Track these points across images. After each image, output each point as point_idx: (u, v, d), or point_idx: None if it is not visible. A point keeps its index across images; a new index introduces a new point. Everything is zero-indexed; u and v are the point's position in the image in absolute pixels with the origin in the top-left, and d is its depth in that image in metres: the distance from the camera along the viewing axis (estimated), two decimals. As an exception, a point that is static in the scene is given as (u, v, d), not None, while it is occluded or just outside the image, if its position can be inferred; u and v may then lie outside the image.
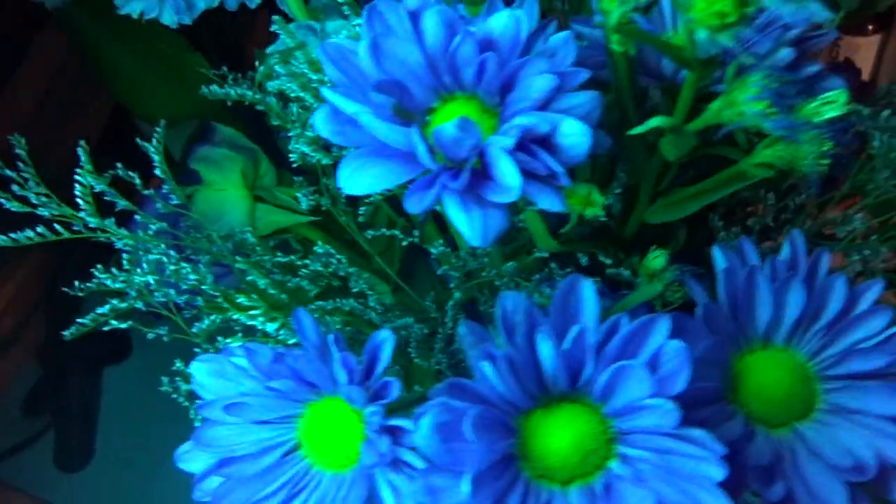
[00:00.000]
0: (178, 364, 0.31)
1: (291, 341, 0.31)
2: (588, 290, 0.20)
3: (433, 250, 0.32)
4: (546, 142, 0.21)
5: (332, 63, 0.22)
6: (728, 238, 0.33)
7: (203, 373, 0.24)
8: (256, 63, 0.36)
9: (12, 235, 0.29)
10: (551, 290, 0.32)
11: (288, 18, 0.37)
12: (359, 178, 0.21)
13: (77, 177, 0.29)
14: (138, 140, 0.34)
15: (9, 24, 0.61)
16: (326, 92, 0.22)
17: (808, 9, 0.14)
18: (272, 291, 0.33)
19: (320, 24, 0.34)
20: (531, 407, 0.21)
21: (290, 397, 0.24)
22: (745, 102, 0.17)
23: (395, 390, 0.22)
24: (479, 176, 0.22)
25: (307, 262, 0.35)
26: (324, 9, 0.37)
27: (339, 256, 0.34)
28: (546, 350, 0.20)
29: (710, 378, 0.22)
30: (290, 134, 0.34)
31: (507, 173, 0.20)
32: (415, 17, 0.22)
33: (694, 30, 0.16)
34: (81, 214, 0.29)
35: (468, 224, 0.21)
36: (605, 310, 0.30)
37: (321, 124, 0.22)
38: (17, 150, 0.29)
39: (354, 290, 0.35)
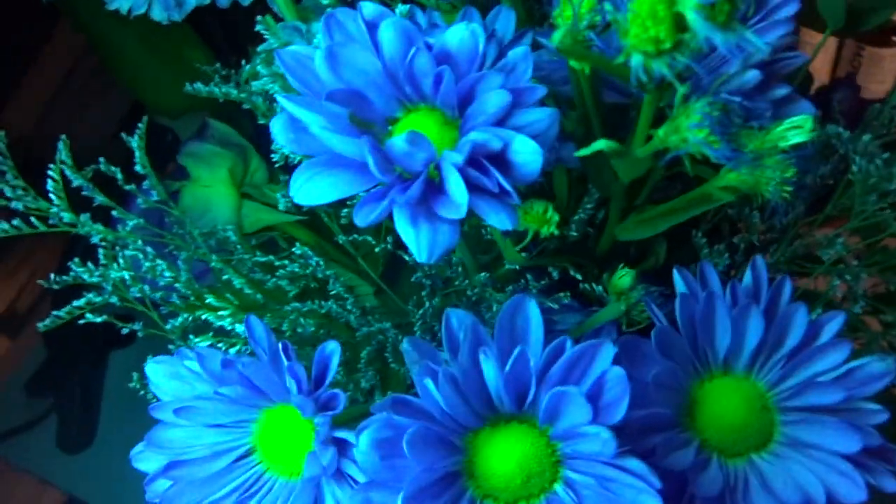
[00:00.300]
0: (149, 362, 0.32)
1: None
2: (534, 311, 0.20)
3: (407, 257, 0.32)
4: (499, 158, 0.21)
5: (289, 70, 0.22)
6: (712, 256, 0.32)
7: (159, 374, 0.24)
8: (242, 62, 0.36)
9: (-10, 228, 0.29)
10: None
11: (278, 18, 0.37)
12: (311, 189, 0.21)
13: (51, 172, 0.29)
14: (122, 134, 0.34)
15: (27, 15, 0.62)
16: (281, 99, 0.21)
17: (741, 39, 0.14)
18: (248, 291, 0.33)
19: (307, 25, 0.34)
20: (479, 426, 0.21)
21: (242, 403, 0.23)
22: (688, 129, 0.17)
23: (342, 402, 0.22)
24: (435, 189, 0.21)
25: (285, 262, 0.35)
26: (314, 9, 0.37)
27: (317, 259, 0.34)
28: (490, 371, 0.20)
29: (664, 404, 0.22)
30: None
31: (456, 189, 0.20)
32: (372, 27, 0.21)
33: (629, 55, 0.15)
34: (54, 209, 0.29)
35: (415, 239, 0.20)
36: (577, 325, 0.29)
37: (278, 132, 0.22)
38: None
39: (332, 292, 0.35)
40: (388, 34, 0.21)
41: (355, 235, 0.35)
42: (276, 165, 0.34)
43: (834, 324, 0.22)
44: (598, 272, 0.31)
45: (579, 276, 0.29)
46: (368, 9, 0.21)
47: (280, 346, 0.22)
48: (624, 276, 0.26)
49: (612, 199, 0.26)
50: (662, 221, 0.25)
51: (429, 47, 0.21)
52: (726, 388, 0.23)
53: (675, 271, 0.23)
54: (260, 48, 0.38)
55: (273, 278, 0.35)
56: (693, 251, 0.33)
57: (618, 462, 0.19)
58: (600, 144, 0.19)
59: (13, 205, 0.29)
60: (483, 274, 0.31)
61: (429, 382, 0.20)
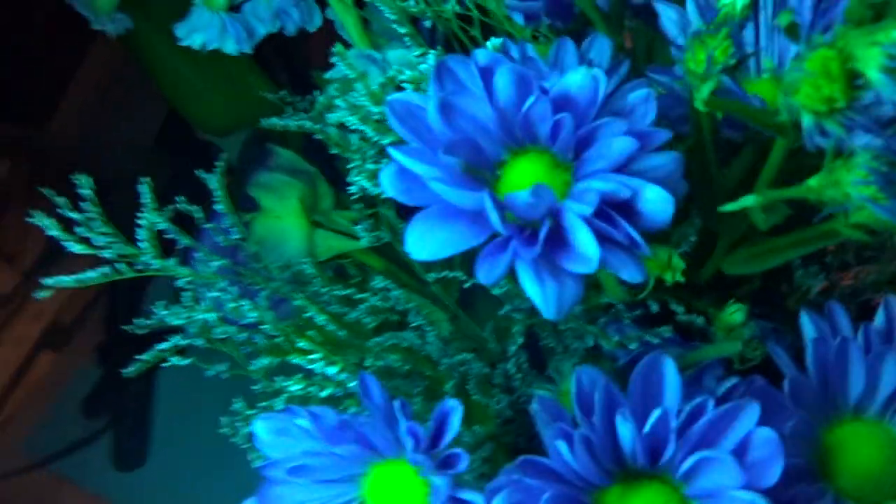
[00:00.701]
0: (238, 405, 0.31)
1: (352, 384, 0.30)
2: (670, 370, 0.19)
3: (496, 291, 0.31)
4: (625, 207, 0.20)
5: (399, 120, 0.21)
6: (806, 276, 0.31)
7: (265, 431, 0.24)
8: (315, 92, 0.35)
9: (78, 277, 0.29)
10: (618, 336, 0.30)
11: (346, 44, 0.36)
12: (427, 243, 0.21)
13: (141, 220, 0.28)
14: (201, 172, 0.34)
15: (68, 25, 0.62)
16: (393, 152, 0.21)
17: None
18: (331, 327, 0.33)
19: (381, 53, 0.33)
20: (609, 483, 0.20)
21: (354, 460, 0.23)
22: (850, 185, 0.16)
23: (465, 462, 0.21)
24: (553, 239, 0.21)
25: (366, 295, 0.34)
26: (384, 33, 0.36)
27: (397, 292, 0.34)
28: (626, 432, 0.19)
29: (797, 454, 0.21)
30: (349, 166, 0.33)
31: (586, 243, 0.19)
32: (486, 73, 0.21)
33: (798, 115, 0.14)
34: (145, 257, 0.28)
35: (542, 296, 0.20)
36: (677, 359, 0.29)
37: (388, 183, 0.21)
38: (82, 190, 0.29)
39: (413, 324, 0.34)
40: (503, 81, 0.20)
41: (432, 274, 0.34)
42: (353, 198, 0.34)
43: (977, 368, 0.21)
44: (694, 302, 0.30)
45: (680, 309, 0.28)
46: (482, 55, 0.21)
47: (398, 404, 0.22)
48: (736, 312, 0.25)
49: (722, 233, 0.25)
50: (777, 256, 0.24)
51: (544, 91, 0.21)
52: (859, 435, 0.22)
53: (802, 314, 0.22)
54: (329, 75, 0.37)
55: (352, 312, 0.34)
56: (785, 271, 0.32)
57: (771, 528, 0.18)
58: (749, 200, 0.18)
59: (103, 253, 0.28)
60: (577, 307, 0.30)
61: (563, 445, 0.19)
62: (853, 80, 0.14)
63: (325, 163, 0.42)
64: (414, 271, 0.37)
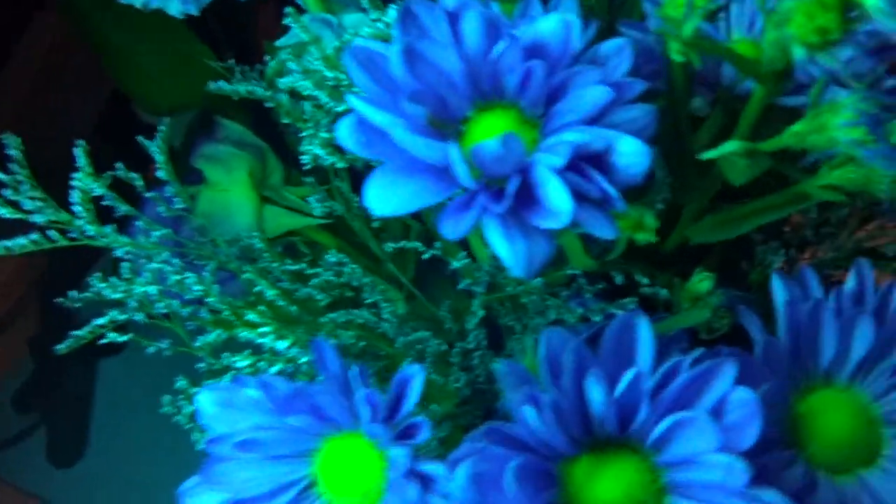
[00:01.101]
0: (181, 382, 0.29)
1: (303, 360, 0.28)
2: (645, 330, 0.18)
3: (455, 263, 0.30)
4: (598, 160, 0.19)
5: (361, 68, 0.20)
6: (767, 252, 0.31)
7: (210, 403, 0.22)
8: (266, 57, 0.34)
9: (5, 244, 0.26)
10: (582, 309, 0.30)
11: (300, 9, 0.35)
12: (389, 198, 0.19)
13: (75, 182, 0.26)
14: (140, 138, 0.32)
15: (5, 3, 0.59)
16: (354, 100, 0.19)
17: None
18: (282, 303, 0.31)
19: (336, 17, 0.31)
20: (576, 452, 0.19)
21: (308, 432, 0.22)
22: (837, 128, 0.15)
23: (426, 431, 0.20)
24: (522, 196, 0.19)
25: (318, 270, 0.33)
26: (338, 1, 0.35)
27: (352, 266, 0.32)
28: (597, 396, 0.18)
29: (769, 421, 0.20)
30: (302, 134, 0.32)
31: (558, 196, 0.18)
32: (453, 18, 0.19)
33: (789, 47, 0.14)
34: (79, 222, 0.26)
35: (512, 253, 0.19)
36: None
37: (346, 135, 0.20)
38: (10, 151, 0.27)
39: (368, 301, 0.33)
40: (472, 25, 0.19)
41: (389, 244, 0.33)
42: (305, 168, 0.32)
43: (949, 332, 0.20)
44: (657, 274, 0.30)
45: (645, 281, 0.27)
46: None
47: (355, 371, 0.20)
48: (703, 281, 0.24)
49: (688, 200, 0.24)
50: (746, 223, 0.24)
51: (514, 38, 0.20)
52: (830, 401, 0.21)
53: (774, 278, 0.21)
54: (280, 42, 0.36)
55: (304, 288, 0.33)
56: (744, 248, 0.31)
57: (748, 491, 0.17)
58: (732, 146, 0.17)
59: (33, 217, 0.26)
60: (538, 279, 0.29)
61: (529, 411, 0.18)
62: (848, 10, 0.13)
63: (274, 141, 0.40)
64: (368, 249, 0.36)
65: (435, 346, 0.32)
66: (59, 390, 0.63)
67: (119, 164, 0.31)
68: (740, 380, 0.20)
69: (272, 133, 0.40)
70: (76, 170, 0.29)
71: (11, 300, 0.63)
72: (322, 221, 0.37)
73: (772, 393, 0.20)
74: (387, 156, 0.20)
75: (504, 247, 0.19)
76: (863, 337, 0.21)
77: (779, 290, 0.21)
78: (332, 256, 0.32)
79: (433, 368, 0.33)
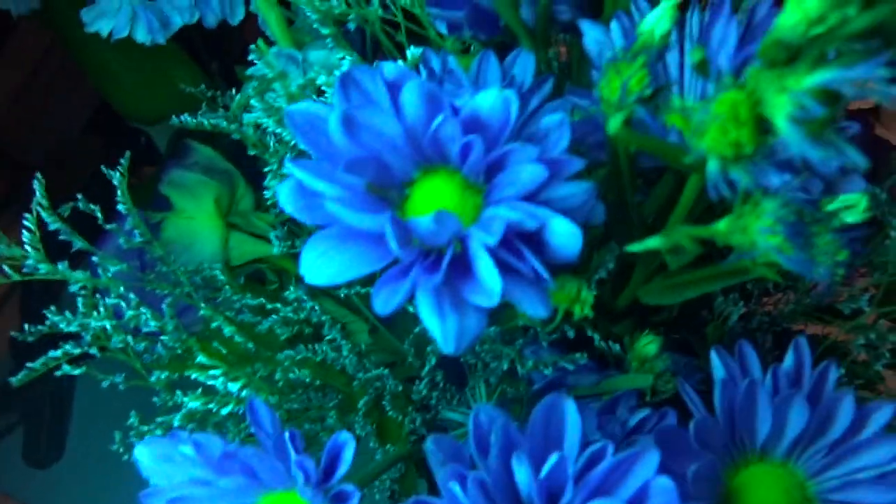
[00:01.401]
0: (132, 419, 0.29)
1: (255, 401, 0.28)
2: (571, 411, 0.18)
3: (410, 308, 0.30)
4: (532, 237, 0.19)
5: (300, 133, 0.20)
6: (726, 304, 0.31)
7: (148, 457, 0.22)
8: (232, 90, 0.33)
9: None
10: (534, 358, 0.30)
11: (269, 40, 0.35)
12: (323, 267, 0.19)
13: (25, 220, 0.26)
14: (102, 168, 0.32)
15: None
16: (291, 166, 0.19)
17: (839, 153, 0.12)
18: (239, 339, 0.31)
19: (302, 52, 0.31)
20: (503, 526, 0.19)
21: (242, 491, 0.21)
22: (758, 232, 0.15)
23: (355, 498, 0.20)
24: (458, 265, 0.19)
25: (278, 305, 0.33)
26: (309, 31, 0.35)
27: (311, 303, 0.32)
28: (522, 476, 0.18)
29: (701, 496, 0.20)
30: (265, 169, 0.32)
31: (488, 275, 0.18)
32: (393, 88, 0.19)
33: (705, 159, 0.14)
34: (31, 261, 0.26)
35: (441, 329, 0.19)
36: (592, 385, 0.28)
37: (285, 199, 0.20)
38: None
39: (328, 337, 0.33)
40: (411, 98, 0.19)
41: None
42: (269, 202, 0.32)
43: (881, 415, 0.20)
44: (611, 328, 0.30)
45: (596, 336, 0.27)
46: (389, 69, 0.19)
47: (287, 435, 0.20)
48: (649, 344, 0.24)
49: (639, 264, 0.24)
50: (692, 288, 0.23)
51: (455, 111, 0.20)
52: (764, 477, 0.21)
53: (713, 354, 0.21)
54: (250, 71, 0.36)
55: (264, 322, 0.33)
56: (705, 298, 0.31)
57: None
58: (654, 242, 0.17)
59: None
60: (493, 328, 0.29)
61: (455, 487, 0.18)
62: (763, 124, 0.13)
63: (250, 162, 0.40)
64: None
65: (392, 385, 0.32)
66: (38, 391, 0.63)
67: (80, 196, 0.31)
68: (675, 453, 0.20)
69: (248, 155, 0.40)
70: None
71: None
72: (285, 251, 0.37)
73: (704, 469, 0.20)
74: (326, 221, 0.20)
75: (435, 323, 0.19)
76: (797, 416, 0.21)
77: (717, 366, 0.21)
78: (291, 293, 0.32)
79: (391, 406, 0.33)
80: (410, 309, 0.30)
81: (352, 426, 0.33)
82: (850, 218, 0.19)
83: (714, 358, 0.21)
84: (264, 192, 0.33)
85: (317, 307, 0.32)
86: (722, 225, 0.16)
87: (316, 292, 0.35)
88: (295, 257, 0.38)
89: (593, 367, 0.28)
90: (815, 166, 0.12)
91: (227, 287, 0.34)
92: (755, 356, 0.21)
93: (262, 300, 0.32)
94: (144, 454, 0.22)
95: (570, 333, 0.28)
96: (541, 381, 0.30)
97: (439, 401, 0.33)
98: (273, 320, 0.32)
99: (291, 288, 0.32)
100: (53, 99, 0.64)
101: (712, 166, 0.13)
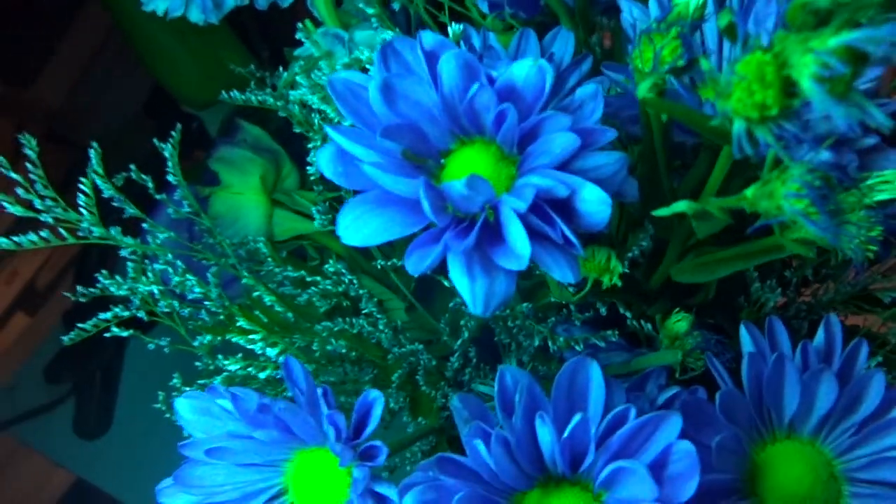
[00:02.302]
0: (175, 380, 0.31)
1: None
2: (595, 374, 0.19)
3: (445, 282, 0.30)
4: (563, 205, 0.19)
5: (340, 100, 0.20)
6: (763, 291, 0.30)
7: (188, 409, 0.23)
8: (280, 68, 0.34)
9: (15, 239, 0.28)
10: (566, 335, 0.30)
11: (317, 21, 0.36)
12: (359, 229, 0.20)
13: (82, 185, 0.28)
14: (155, 140, 0.33)
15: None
16: (332, 132, 0.20)
17: (864, 113, 0.12)
18: (278, 309, 0.32)
19: (349, 32, 0.32)
20: (528, 487, 0.20)
21: (277, 445, 0.22)
22: (784, 197, 0.15)
23: (383, 455, 0.21)
24: (490, 232, 0.20)
25: (317, 278, 0.34)
26: (356, 13, 0.35)
27: (350, 277, 0.33)
28: (546, 436, 0.19)
29: (726, 469, 0.21)
30: (309, 146, 0.33)
31: (518, 239, 0.19)
32: (431, 58, 0.20)
33: (730, 120, 0.14)
34: (86, 224, 0.28)
35: (470, 290, 0.19)
36: (623, 363, 0.28)
37: (325, 164, 0.21)
38: (27, 150, 0.28)
39: (365, 310, 0.34)
40: (448, 67, 0.20)
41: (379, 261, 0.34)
42: (312, 178, 0.33)
43: (913, 394, 0.20)
44: (645, 308, 0.30)
45: (628, 314, 0.28)
46: (428, 39, 0.20)
47: (320, 391, 0.21)
48: (680, 321, 0.24)
49: (672, 241, 0.24)
50: (724, 267, 0.24)
51: (491, 81, 0.20)
52: (790, 454, 0.21)
53: (742, 328, 0.21)
54: (297, 52, 0.37)
55: (304, 294, 0.34)
56: (742, 283, 0.31)
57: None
58: (681, 206, 0.17)
59: (42, 216, 0.28)
60: (525, 304, 0.30)
61: (479, 444, 0.19)
62: (789, 87, 0.13)
63: (300, 143, 0.41)
64: (375, 258, 0.36)
65: (426, 359, 0.33)
66: (89, 363, 0.65)
67: (132, 167, 0.32)
68: (700, 426, 0.20)
69: (296, 136, 0.41)
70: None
71: (53, 274, 0.66)
72: (328, 228, 0.38)
73: (728, 441, 0.20)
74: (364, 186, 0.21)
75: (464, 284, 0.19)
76: (826, 393, 0.21)
77: (746, 341, 0.21)
78: (331, 266, 0.33)
79: (424, 380, 0.33)
80: (444, 283, 0.31)
81: (386, 399, 0.33)
82: (885, 195, 0.19)
83: (743, 333, 0.21)
84: (308, 171, 0.34)
85: (355, 281, 0.33)
86: (749, 191, 0.16)
87: (355, 267, 0.36)
88: (334, 234, 0.39)
89: (624, 346, 0.28)
90: (841, 129, 0.13)
91: (269, 260, 0.35)
92: (785, 332, 0.21)
93: (303, 272, 0.33)
94: (185, 406, 0.23)
95: (603, 310, 0.28)
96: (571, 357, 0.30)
97: (472, 378, 0.34)
98: (312, 292, 0.33)
99: (331, 261, 0.33)
100: (110, 85, 0.66)
101: (737, 127, 0.14)
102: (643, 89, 0.16)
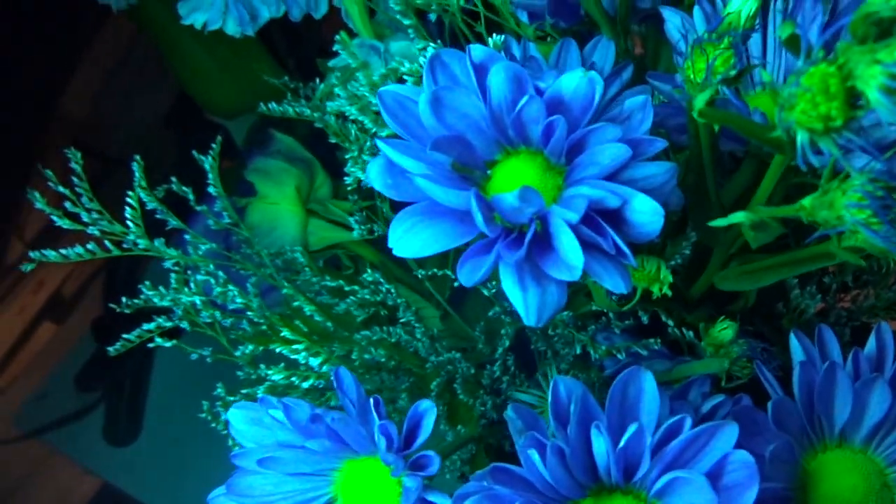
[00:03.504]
0: (219, 390, 0.31)
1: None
2: (649, 384, 0.19)
3: (485, 291, 0.30)
4: (613, 215, 0.19)
5: (390, 113, 0.21)
6: (803, 297, 0.30)
7: (240, 420, 0.23)
8: (317, 80, 0.35)
9: (63, 252, 0.28)
10: (607, 343, 0.30)
11: (351, 32, 0.36)
12: (410, 240, 0.20)
13: (128, 199, 0.28)
14: (194, 153, 0.33)
15: (80, 4, 0.62)
16: (382, 145, 0.20)
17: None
18: (318, 318, 0.32)
19: (384, 43, 0.32)
20: (581, 496, 0.20)
21: (327, 455, 0.23)
22: (844, 207, 0.15)
23: (436, 465, 0.21)
24: (540, 242, 0.20)
25: (356, 288, 0.34)
26: (389, 24, 0.36)
27: (388, 286, 0.33)
28: (600, 446, 0.19)
29: (777, 478, 0.21)
30: (346, 157, 0.33)
31: (570, 250, 0.19)
32: (480, 70, 0.20)
33: (793, 132, 0.14)
34: (132, 236, 0.28)
35: (523, 301, 0.19)
36: (664, 372, 0.28)
37: (375, 176, 0.21)
38: (73, 164, 0.29)
39: (402, 319, 0.34)
40: (497, 79, 0.20)
41: (420, 272, 0.34)
42: (349, 189, 0.33)
43: (968, 403, 0.20)
44: (685, 315, 0.30)
45: (670, 322, 0.28)
46: (477, 51, 0.20)
47: (371, 401, 0.21)
48: (725, 329, 0.24)
49: (716, 248, 0.24)
50: (770, 275, 0.23)
51: (539, 92, 0.20)
52: (842, 463, 0.21)
53: (792, 337, 0.21)
54: (332, 63, 0.37)
55: (342, 303, 0.34)
56: (781, 289, 0.31)
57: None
58: (739, 217, 0.17)
59: (89, 229, 0.28)
60: (566, 313, 0.30)
61: (534, 454, 0.19)
62: (853, 99, 0.13)
63: (328, 152, 0.42)
64: (408, 266, 0.37)
65: (464, 368, 0.33)
66: (118, 371, 0.66)
67: (174, 179, 0.32)
68: (751, 435, 0.20)
69: (326, 146, 0.42)
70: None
71: (80, 282, 0.66)
72: (363, 237, 0.38)
73: (780, 451, 0.20)
74: (413, 197, 0.21)
75: (517, 295, 0.19)
76: (879, 401, 0.20)
77: (796, 349, 0.21)
78: (368, 276, 0.34)
79: (462, 389, 0.34)
80: (485, 292, 0.31)
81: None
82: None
83: (793, 341, 0.21)
84: (343, 180, 0.34)
85: (392, 290, 0.33)
86: (807, 201, 0.16)
87: (388, 276, 0.36)
88: (371, 243, 0.39)
89: (666, 354, 0.28)
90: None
91: (306, 269, 0.35)
92: (835, 340, 0.21)
93: (341, 282, 0.33)
94: (237, 417, 0.23)
95: (644, 318, 0.28)
96: (613, 367, 0.30)
97: (509, 386, 0.34)
98: (350, 302, 0.34)
99: (369, 271, 0.33)
100: (135, 94, 0.67)
101: (801, 138, 0.14)
102: (700, 103, 0.16)
